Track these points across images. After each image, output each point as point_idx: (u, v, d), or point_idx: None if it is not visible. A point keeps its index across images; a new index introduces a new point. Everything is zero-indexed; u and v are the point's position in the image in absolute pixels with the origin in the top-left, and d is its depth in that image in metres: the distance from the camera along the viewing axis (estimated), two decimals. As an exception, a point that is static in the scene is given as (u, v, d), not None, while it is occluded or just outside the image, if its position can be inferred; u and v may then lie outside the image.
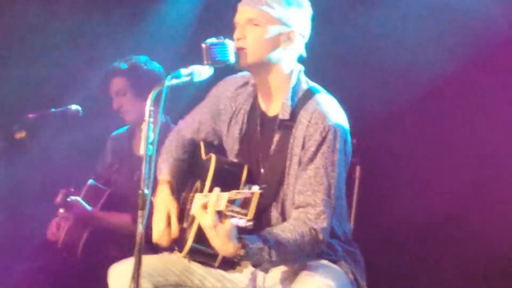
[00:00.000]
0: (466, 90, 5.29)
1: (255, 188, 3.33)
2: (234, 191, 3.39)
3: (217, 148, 3.98)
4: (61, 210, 5.30)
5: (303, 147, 3.67)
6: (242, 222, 3.36)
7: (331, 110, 3.71)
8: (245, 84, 3.92)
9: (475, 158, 5.24)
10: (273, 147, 3.74)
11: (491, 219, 5.18)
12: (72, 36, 6.32)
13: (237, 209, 3.35)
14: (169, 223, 3.83)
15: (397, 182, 5.40)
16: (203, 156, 3.97)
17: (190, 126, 4.05)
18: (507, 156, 5.18)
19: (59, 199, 5.29)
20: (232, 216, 3.38)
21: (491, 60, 5.19)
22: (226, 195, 3.39)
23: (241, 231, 3.48)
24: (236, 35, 3.72)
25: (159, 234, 3.83)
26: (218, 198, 3.42)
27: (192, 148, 4.06)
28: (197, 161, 4.01)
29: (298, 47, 3.76)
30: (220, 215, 3.43)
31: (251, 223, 3.35)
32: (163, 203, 3.87)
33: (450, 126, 5.34)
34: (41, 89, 6.26)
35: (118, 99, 5.40)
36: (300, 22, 3.74)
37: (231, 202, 3.37)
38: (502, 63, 5.18)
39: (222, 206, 3.39)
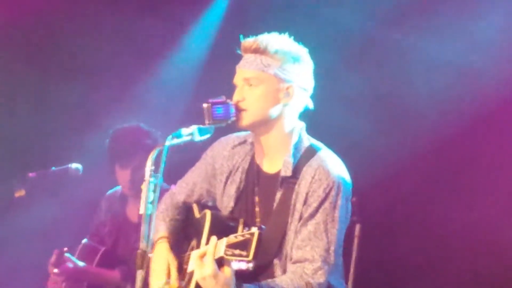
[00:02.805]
0: (466, 148, 5.33)
1: (254, 229, 3.34)
2: (233, 235, 3.39)
3: (211, 208, 3.98)
4: (55, 270, 5.27)
5: (305, 202, 3.67)
6: (243, 264, 3.35)
7: (335, 167, 3.71)
8: (242, 143, 3.92)
9: (479, 218, 5.25)
10: (275, 204, 3.74)
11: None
12: (70, 96, 6.38)
13: (238, 251, 3.34)
14: (168, 277, 3.82)
15: (397, 240, 5.39)
16: (197, 215, 3.97)
17: (183, 190, 4.05)
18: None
19: (53, 259, 5.27)
20: (233, 260, 3.37)
21: (493, 121, 5.25)
22: (225, 240, 3.40)
23: (242, 276, 3.47)
24: (235, 97, 3.73)
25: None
26: (216, 246, 3.43)
27: (185, 211, 4.06)
28: (191, 222, 4.01)
29: (299, 101, 3.76)
30: (219, 263, 3.42)
31: (251, 264, 3.34)
32: (162, 257, 3.87)
33: (451, 184, 5.35)
34: (41, 147, 6.29)
35: (135, 173, 5.33)
36: (299, 76, 3.71)
37: (230, 246, 3.37)
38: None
39: (221, 252, 3.38)
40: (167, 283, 3.81)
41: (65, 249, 5.27)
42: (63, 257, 5.25)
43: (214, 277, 3.41)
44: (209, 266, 3.41)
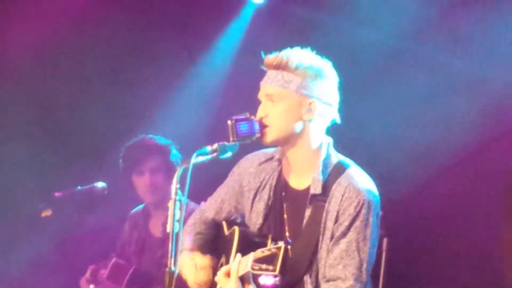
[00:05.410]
0: (489, 160, 5.30)
1: (281, 243, 3.37)
2: (260, 250, 3.42)
3: (240, 225, 3.98)
4: (91, 286, 5.27)
5: (336, 221, 3.65)
6: (271, 279, 3.38)
7: (364, 184, 3.69)
8: (269, 159, 3.90)
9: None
10: (305, 221, 3.72)
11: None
12: (91, 114, 6.42)
13: (264, 266, 3.37)
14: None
15: (425, 254, 5.36)
16: (226, 232, 3.97)
17: (212, 207, 4.05)
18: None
19: (88, 275, 5.28)
20: (260, 274, 3.40)
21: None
22: (252, 255, 3.43)
23: None
24: (258, 113, 3.73)
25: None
26: (241, 262, 3.45)
27: (215, 228, 4.06)
28: (220, 239, 4.02)
29: (324, 117, 3.73)
30: (243, 280, 3.46)
31: (278, 278, 3.36)
32: (189, 259, 3.87)
33: (478, 197, 5.32)
34: (65, 166, 6.31)
35: (153, 177, 5.39)
36: (322, 91, 3.68)
37: (257, 260, 3.40)
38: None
39: (248, 267, 3.40)
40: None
41: (101, 265, 5.29)
42: (99, 273, 5.26)
43: None
44: (232, 283, 3.45)
